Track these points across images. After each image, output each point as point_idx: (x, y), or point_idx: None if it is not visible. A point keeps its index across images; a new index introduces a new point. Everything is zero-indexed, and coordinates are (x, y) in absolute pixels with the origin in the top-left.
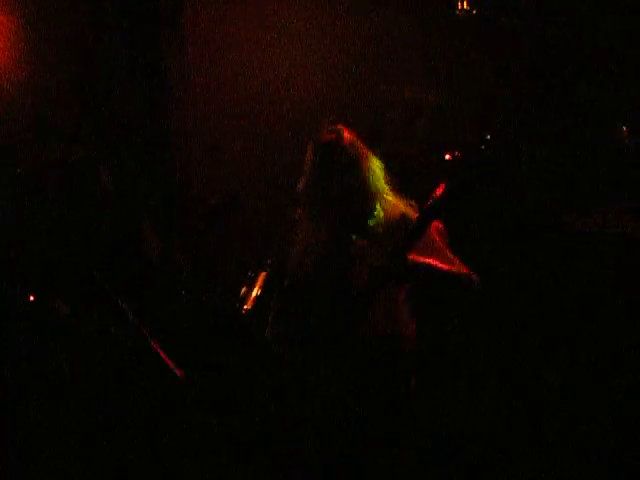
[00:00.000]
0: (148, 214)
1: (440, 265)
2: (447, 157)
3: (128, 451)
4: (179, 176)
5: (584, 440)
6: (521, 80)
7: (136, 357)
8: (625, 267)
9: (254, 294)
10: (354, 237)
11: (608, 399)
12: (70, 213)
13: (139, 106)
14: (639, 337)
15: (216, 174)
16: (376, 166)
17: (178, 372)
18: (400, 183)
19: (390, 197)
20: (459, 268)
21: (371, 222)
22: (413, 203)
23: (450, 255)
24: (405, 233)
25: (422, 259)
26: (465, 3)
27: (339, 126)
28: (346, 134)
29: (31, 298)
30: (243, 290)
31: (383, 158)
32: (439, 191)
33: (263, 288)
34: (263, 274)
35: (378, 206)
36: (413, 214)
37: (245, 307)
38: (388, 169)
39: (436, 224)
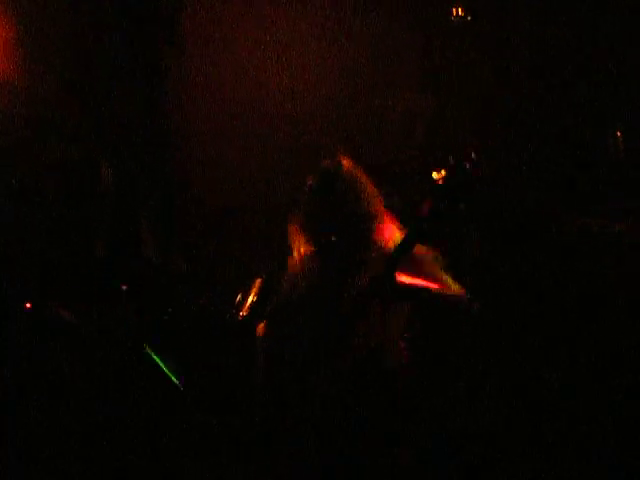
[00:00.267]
0: (147, 215)
1: (429, 286)
2: (434, 175)
3: (128, 451)
4: (178, 176)
5: (584, 440)
6: (521, 81)
7: (136, 357)
8: (625, 267)
9: (250, 301)
10: (349, 265)
11: (608, 399)
12: (70, 213)
13: (139, 106)
14: (639, 337)
15: (215, 175)
16: (373, 194)
17: (178, 382)
18: (398, 188)
19: (387, 224)
20: (452, 290)
21: (367, 249)
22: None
23: (444, 277)
24: (391, 254)
25: (411, 280)
26: (460, 10)
27: (339, 154)
28: (345, 162)
29: (28, 305)
30: (239, 297)
31: (380, 184)
32: (423, 210)
33: (259, 295)
34: (259, 281)
35: (374, 234)
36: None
37: (241, 313)
38: (385, 190)
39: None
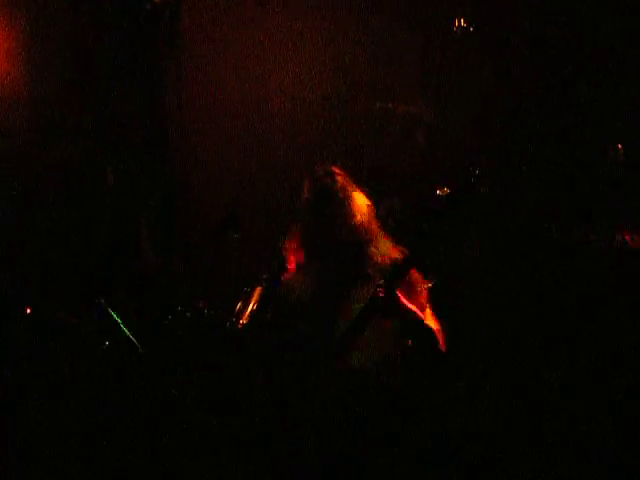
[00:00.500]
0: (147, 215)
1: (416, 312)
2: (438, 192)
3: (128, 451)
4: (178, 177)
5: (584, 440)
6: (521, 82)
7: (136, 357)
8: (624, 271)
9: (250, 309)
10: (346, 278)
11: (608, 399)
12: (70, 214)
13: (139, 106)
14: (639, 337)
15: (215, 175)
16: (368, 210)
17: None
18: (398, 190)
19: (382, 241)
20: (425, 316)
21: (363, 262)
22: (405, 250)
23: (427, 309)
24: (393, 269)
25: (410, 304)
26: (462, 21)
27: (333, 169)
28: (340, 176)
29: (28, 310)
30: (239, 305)
31: (374, 200)
32: (426, 227)
33: (259, 303)
34: (259, 289)
35: (370, 249)
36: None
37: (241, 322)
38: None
39: (423, 282)
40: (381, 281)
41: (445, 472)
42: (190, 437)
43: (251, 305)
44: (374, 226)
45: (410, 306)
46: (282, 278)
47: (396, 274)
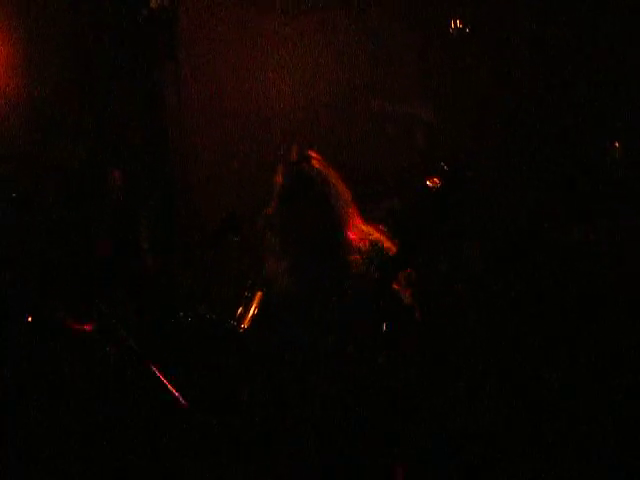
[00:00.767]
0: (146, 217)
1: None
2: (428, 183)
3: (128, 451)
4: (178, 178)
5: (584, 440)
6: (520, 82)
7: (135, 357)
8: (624, 271)
9: (251, 313)
10: (327, 265)
11: (608, 399)
12: (70, 214)
13: (139, 106)
14: (639, 337)
15: (215, 176)
16: (343, 191)
17: (182, 401)
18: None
19: (360, 224)
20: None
21: (343, 247)
22: (382, 227)
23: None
24: (389, 264)
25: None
26: (458, 22)
27: (309, 153)
28: (316, 161)
29: (29, 319)
30: (240, 309)
31: (352, 185)
32: (421, 219)
33: (260, 307)
34: (260, 293)
35: (349, 232)
36: (384, 239)
37: (242, 326)
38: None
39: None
40: (376, 275)
41: (445, 472)
42: (190, 437)
43: (252, 309)
44: (352, 209)
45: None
46: (268, 275)
47: (393, 268)
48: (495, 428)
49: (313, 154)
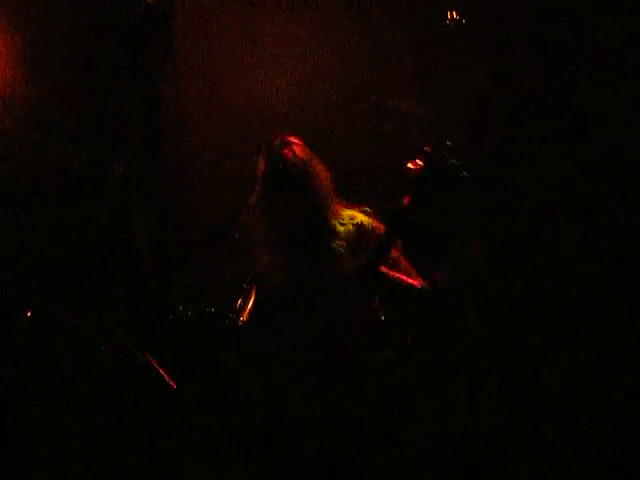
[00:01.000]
0: (143, 217)
1: (402, 277)
2: (409, 165)
3: (128, 451)
4: (176, 178)
5: (584, 440)
6: (520, 82)
7: (135, 357)
8: (624, 271)
9: (249, 306)
10: (311, 253)
11: (608, 399)
12: (70, 214)
13: (138, 106)
14: (639, 337)
15: (213, 177)
16: (325, 176)
17: (171, 383)
18: (392, 189)
19: (343, 208)
20: (415, 279)
21: (327, 234)
22: (367, 209)
23: (407, 266)
24: (376, 246)
25: (390, 272)
26: (455, 13)
27: (291, 138)
28: (297, 147)
29: (28, 313)
30: (239, 302)
31: (335, 170)
32: (405, 202)
33: (257, 300)
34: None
35: (332, 218)
36: (370, 220)
37: (241, 319)
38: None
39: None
40: (362, 260)
41: (445, 472)
42: (190, 437)
43: (250, 302)
44: (334, 195)
45: (399, 276)
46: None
47: (379, 250)
48: (495, 428)
49: (294, 139)
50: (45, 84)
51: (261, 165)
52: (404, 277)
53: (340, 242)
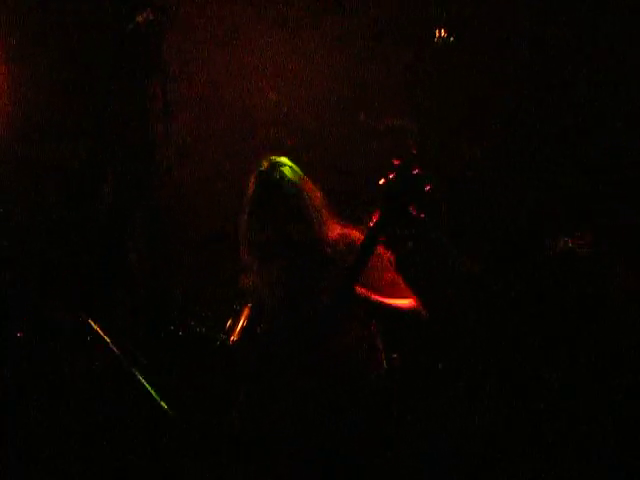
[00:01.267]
0: (141, 220)
1: (389, 302)
2: (381, 182)
3: (128, 451)
4: (171, 186)
5: (584, 440)
6: (520, 84)
7: (135, 357)
8: (624, 271)
9: (240, 326)
10: (302, 275)
11: (608, 399)
12: (70, 214)
13: (138, 106)
14: (639, 337)
15: (209, 186)
16: (316, 196)
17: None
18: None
19: (335, 225)
20: (409, 302)
21: (317, 251)
22: (361, 228)
23: (404, 286)
24: (351, 261)
25: (374, 296)
26: (443, 31)
27: (279, 160)
28: (286, 170)
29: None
30: (229, 322)
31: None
32: (375, 217)
33: (249, 319)
34: (249, 306)
35: (322, 234)
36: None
37: (232, 338)
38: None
39: (387, 255)
40: (338, 276)
41: (445, 472)
42: (190, 437)
43: (241, 322)
44: (326, 214)
45: (375, 298)
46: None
47: (355, 267)
48: (495, 428)
49: (283, 161)
50: (45, 84)
51: (250, 189)
52: (399, 304)
53: (332, 267)
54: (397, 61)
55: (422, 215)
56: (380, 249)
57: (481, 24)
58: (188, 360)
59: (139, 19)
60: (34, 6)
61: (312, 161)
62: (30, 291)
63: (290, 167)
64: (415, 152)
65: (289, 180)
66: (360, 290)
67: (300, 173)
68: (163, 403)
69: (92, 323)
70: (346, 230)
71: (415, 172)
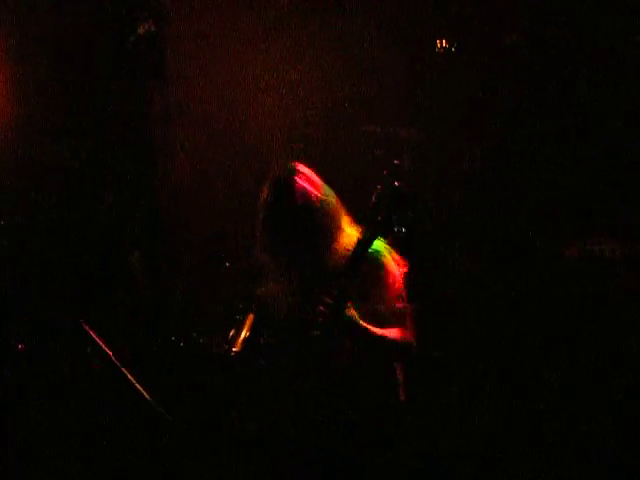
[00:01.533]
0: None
1: (381, 334)
2: (373, 199)
3: (128, 451)
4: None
5: (584, 440)
6: (520, 84)
7: (135, 357)
8: (623, 271)
9: (242, 336)
10: (317, 277)
11: (608, 399)
12: (70, 214)
13: (138, 107)
14: (639, 337)
15: (206, 194)
16: (332, 202)
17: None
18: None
19: (348, 231)
20: (402, 332)
21: (332, 258)
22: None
23: (401, 307)
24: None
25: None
26: (444, 41)
27: (295, 166)
28: (300, 171)
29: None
30: (231, 332)
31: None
32: (363, 231)
33: (251, 330)
34: (251, 316)
35: (338, 242)
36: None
37: (234, 349)
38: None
39: (400, 268)
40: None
41: (445, 472)
42: (190, 437)
43: (243, 332)
44: (342, 219)
45: (377, 333)
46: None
47: (342, 281)
48: (495, 428)
49: (299, 167)
50: (45, 84)
51: (264, 195)
52: (390, 336)
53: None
54: (397, 61)
55: (402, 229)
56: (394, 263)
57: (481, 24)
58: (188, 368)
59: (140, 30)
60: (34, 6)
61: (313, 164)
62: (30, 291)
63: (306, 174)
64: (397, 162)
65: (303, 189)
66: (351, 313)
67: (316, 180)
68: (160, 409)
69: (86, 328)
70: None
71: (395, 184)
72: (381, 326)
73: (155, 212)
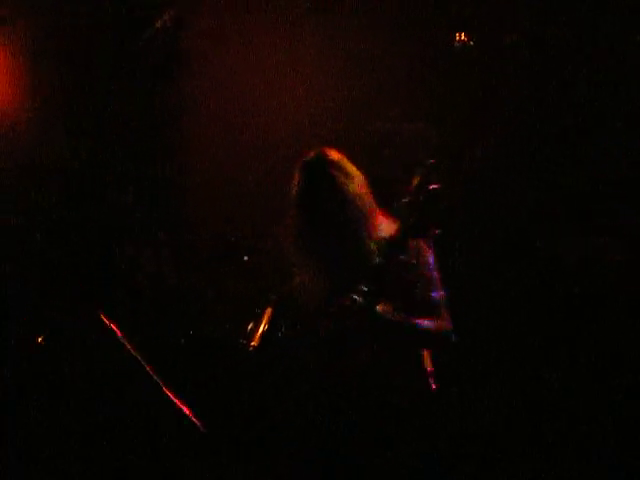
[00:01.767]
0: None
1: (415, 326)
2: (407, 199)
3: (128, 451)
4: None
5: (584, 440)
6: (520, 84)
7: (135, 357)
8: (623, 271)
9: (261, 330)
10: (348, 271)
11: (608, 399)
12: (70, 214)
13: (139, 106)
14: (639, 337)
15: (215, 190)
16: (364, 188)
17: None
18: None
19: (379, 219)
20: (438, 321)
21: (364, 248)
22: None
23: (435, 297)
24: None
25: (396, 316)
26: (463, 35)
27: (325, 151)
28: (331, 155)
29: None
30: (250, 326)
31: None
32: (395, 231)
33: (270, 324)
34: (269, 310)
35: (369, 235)
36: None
37: (252, 343)
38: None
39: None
40: (356, 298)
41: (445, 472)
42: (190, 437)
43: (262, 326)
44: (371, 206)
45: (408, 322)
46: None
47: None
48: (495, 428)
49: (329, 152)
50: (45, 84)
51: (296, 181)
52: (433, 327)
53: (375, 252)
54: (397, 61)
55: (436, 232)
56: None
57: (481, 24)
58: (207, 365)
59: (158, 24)
60: (34, 6)
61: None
62: (30, 291)
63: (336, 159)
64: (433, 162)
65: (334, 171)
66: (382, 308)
67: (346, 164)
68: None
69: (107, 321)
70: (390, 223)
71: (431, 188)
72: (416, 317)
73: (155, 210)
